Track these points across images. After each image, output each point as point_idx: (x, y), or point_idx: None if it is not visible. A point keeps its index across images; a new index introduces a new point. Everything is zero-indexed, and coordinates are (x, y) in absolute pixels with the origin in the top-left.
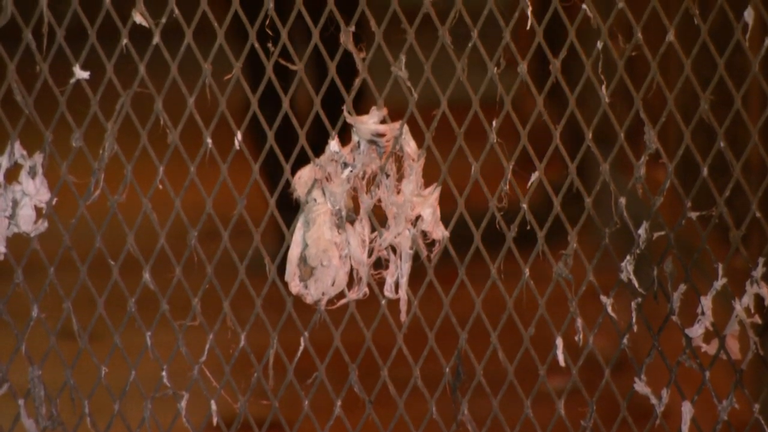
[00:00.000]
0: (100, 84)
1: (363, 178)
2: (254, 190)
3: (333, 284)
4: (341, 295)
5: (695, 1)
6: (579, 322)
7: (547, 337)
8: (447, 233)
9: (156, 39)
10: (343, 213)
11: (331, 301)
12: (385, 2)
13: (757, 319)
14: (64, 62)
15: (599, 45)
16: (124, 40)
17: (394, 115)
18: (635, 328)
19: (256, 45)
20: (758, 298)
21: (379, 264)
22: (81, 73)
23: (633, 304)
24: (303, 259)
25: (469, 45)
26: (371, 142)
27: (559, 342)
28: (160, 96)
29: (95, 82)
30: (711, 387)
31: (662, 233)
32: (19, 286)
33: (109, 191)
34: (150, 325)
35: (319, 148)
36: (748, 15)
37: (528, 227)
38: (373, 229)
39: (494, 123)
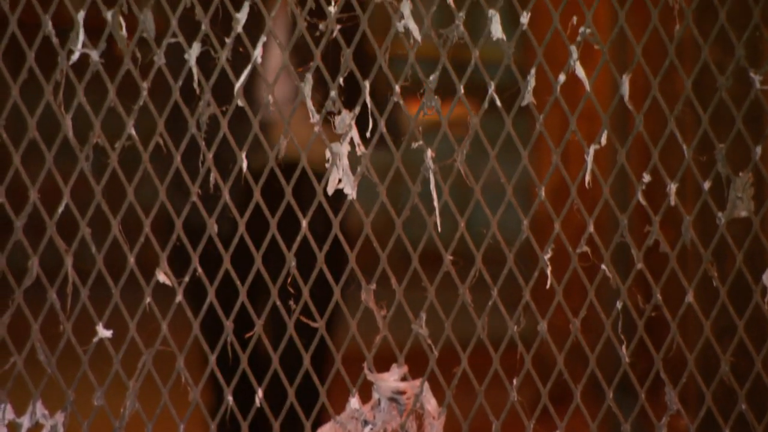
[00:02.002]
0: (123, 342)
1: None
2: None
3: None
4: None
5: (713, 263)
6: None
7: None
8: None
9: (179, 297)
10: None
11: None
12: (405, 255)
13: None
14: (88, 321)
15: (619, 305)
16: (148, 299)
17: (414, 372)
18: None
19: (278, 302)
20: None
21: None
22: (104, 332)
23: None
24: None
25: (489, 304)
26: (392, 399)
27: None
28: (182, 353)
29: (118, 341)
30: None
31: None
32: None
33: None
34: None
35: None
36: (766, 277)
37: None
38: None
39: (515, 381)
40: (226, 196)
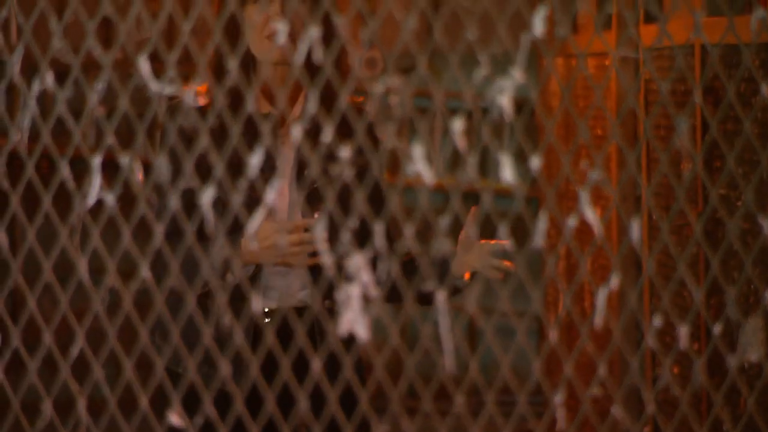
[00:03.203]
0: None
1: None
2: None
3: None
4: None
5: (725, 406)
6: None
7: None
8: None
9: None
10: None
11: None
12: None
13: None
14: None
15: None
16: None
17: None
18: None
19: None
20: None
21: None
22: None
23: None
24: None
25: None
26: None
27: None
28: None
29: None
30: None
31: None
32: None
33: None
34: None
35: None
36: None
37: None
38: None
39: None
40: (238, 339)
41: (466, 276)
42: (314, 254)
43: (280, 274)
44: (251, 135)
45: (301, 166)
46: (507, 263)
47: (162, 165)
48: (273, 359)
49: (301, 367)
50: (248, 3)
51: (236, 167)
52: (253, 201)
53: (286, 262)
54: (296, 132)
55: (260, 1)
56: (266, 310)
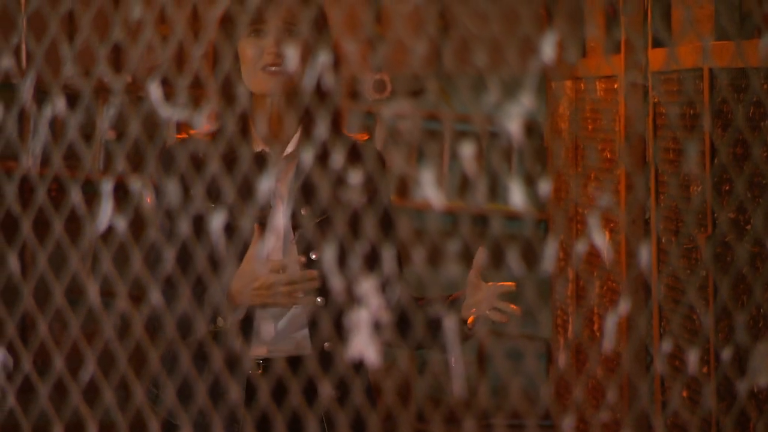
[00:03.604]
0: None
1: None
2: None
3: None
4: None
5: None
6: None
7: None
8: None
9: None
10: None
11: None
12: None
13: None
14: None
15: None
16: None
17: None
18: None
19: None
20: None
21: None
22: None
23: None
24: None
25: None
26: None
27: None
28: None
29: None
30: None
31: None
32: None
33: None
34: None
35: None
36: None
37: None
38: None
39: None
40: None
41: (470, 321)
42: (306, 294)
43: (273, 317)
44: (247, 171)
45: (295, 203)
46: (513, 307)
47: (172, 191)
48: (276, 397)
49: (310, 392)
50: (242, 37)
51: (247, 189)
52: (248, 237)
53: (278, 302)
54: (301, 164)
55: (254, 34)
56: (260, 361)
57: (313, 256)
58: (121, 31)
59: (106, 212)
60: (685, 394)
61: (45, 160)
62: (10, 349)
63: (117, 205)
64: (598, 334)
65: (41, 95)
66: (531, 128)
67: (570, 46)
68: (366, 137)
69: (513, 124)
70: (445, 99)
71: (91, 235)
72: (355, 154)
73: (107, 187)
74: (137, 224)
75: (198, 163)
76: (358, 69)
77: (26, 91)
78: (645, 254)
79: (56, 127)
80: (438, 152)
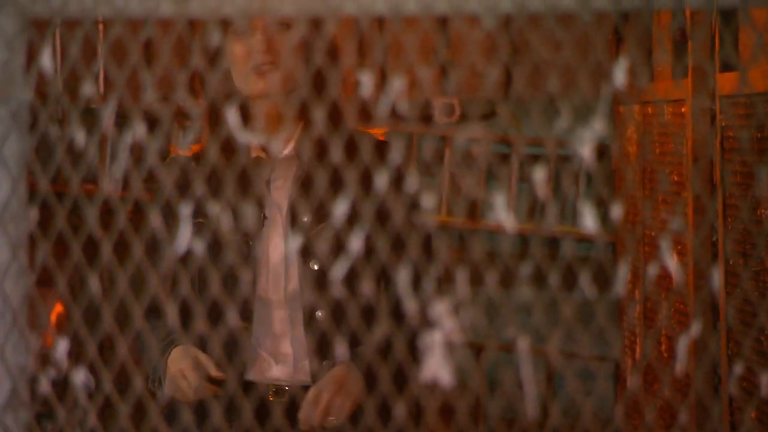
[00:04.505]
0: None
1: None
2: None
3: None
4: None
5: None
6: None
7: None
8: None
9: None
10: None
11: None
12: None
13: None
14: None
15: None
16: None
17: None
18: None
19: None
20: None
21: None
22: None
23: None
24: None
25: None
26: None
27: None
28: None
29: None
30: None
31: None
32: None
33: None
34: None
35: None
36: None
37: None
38: None
39: None
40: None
41: None
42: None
43: (272, 337)
44: (239, 181)
45: (294, 214)
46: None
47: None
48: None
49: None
50: (229, 35)
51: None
52: (243, 256)
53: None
54: (296, 169)
55: (242, 34)
56: (273, 388)
57: (316, 267)
58: (200, 58)
59: (185, 235)
60: (754, 415)
61: (125, 184)
62: (91, 369)
63: (196, 228)
64: (666, 355)
65: (121, 120)
66: (601, 152)
67: (639, 70)
68: (371, 131)
69: (584, 148)
70: (515, 123)
71: (170, 257)
72: (352, 147)
73: (186, 210)
74: (215, 247)
75: (185, 183)
76: (430, 93)
77: (107, 116)
78: (717, 279)
79: (135, 151)
80: (508, 175)
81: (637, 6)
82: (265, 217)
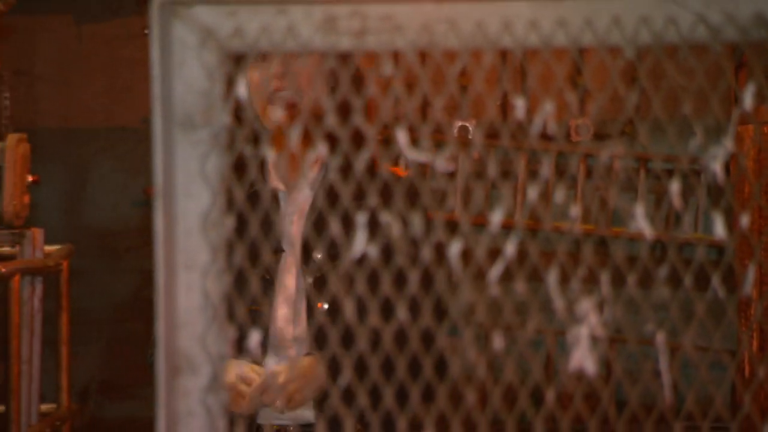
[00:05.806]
0: None
1: None
2: None
3: None
4: None
5: None
6: None
7: None
8: None
9: None
10: None
11: None
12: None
13: None
14: None
15: None
16: None
17: None
18: None
19: None
20: None
21: None
22: None
23: None
24: None
25: None
26: None
27: None
28: None
29: None
30: None
31: None
32: None
33: None
34: None
35: None
36: None
37: None
38: None
39: None
40: None
41: None
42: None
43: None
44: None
45: (307, 248)
46: None
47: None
48: None
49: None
50: (250, 65)
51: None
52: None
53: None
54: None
55: (261, 62)
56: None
57: (326, 306)
58: (375, 86)
59: (360, 241)
60: None
61: None
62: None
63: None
64: None
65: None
66: (728, 167)
67: (760, 94)
68: (400, 171)
69: (715, 164)
70: (652, 141)
71: (348, 260)
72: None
73: (362, 218)
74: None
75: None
76: (573, 116)
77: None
78: None
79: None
80: (646, 188)
81: (763, 36)
82: (281, 251)
